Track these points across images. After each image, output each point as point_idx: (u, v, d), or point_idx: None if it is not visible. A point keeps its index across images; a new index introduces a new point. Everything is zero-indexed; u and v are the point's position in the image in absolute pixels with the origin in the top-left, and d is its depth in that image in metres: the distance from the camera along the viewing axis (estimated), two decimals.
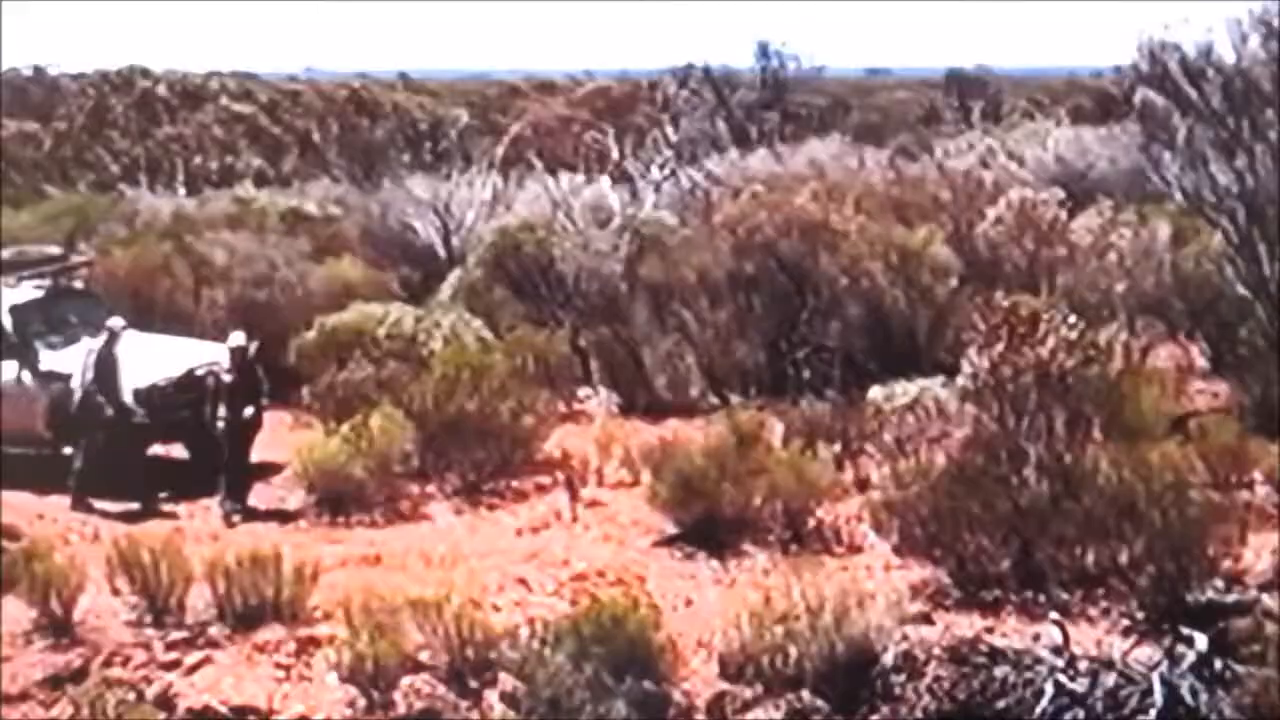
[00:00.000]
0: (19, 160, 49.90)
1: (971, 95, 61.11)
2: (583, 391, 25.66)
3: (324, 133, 51.58)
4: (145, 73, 54.59)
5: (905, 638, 14.84)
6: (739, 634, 15.11)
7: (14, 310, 21.95)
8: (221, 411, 20.53)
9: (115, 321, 21.03)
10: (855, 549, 18.14)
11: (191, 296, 28.20)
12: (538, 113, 53.99)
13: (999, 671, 14.32)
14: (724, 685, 15.07)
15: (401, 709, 14.49)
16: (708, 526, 18.50)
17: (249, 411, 20.64)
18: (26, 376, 21.51)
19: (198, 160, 47.87)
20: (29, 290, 22.57)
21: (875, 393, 20.96)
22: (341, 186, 44.55)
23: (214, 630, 15.97)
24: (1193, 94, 22.41)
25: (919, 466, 17.53)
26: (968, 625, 15.51)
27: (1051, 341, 17.30)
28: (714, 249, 26.61)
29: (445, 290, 30.30)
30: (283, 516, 20.15)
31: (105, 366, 20.61)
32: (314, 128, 52.19)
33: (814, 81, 58.06)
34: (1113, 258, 26.45)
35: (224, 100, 54.19)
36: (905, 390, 20.52)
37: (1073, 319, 17.68)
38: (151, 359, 21.76)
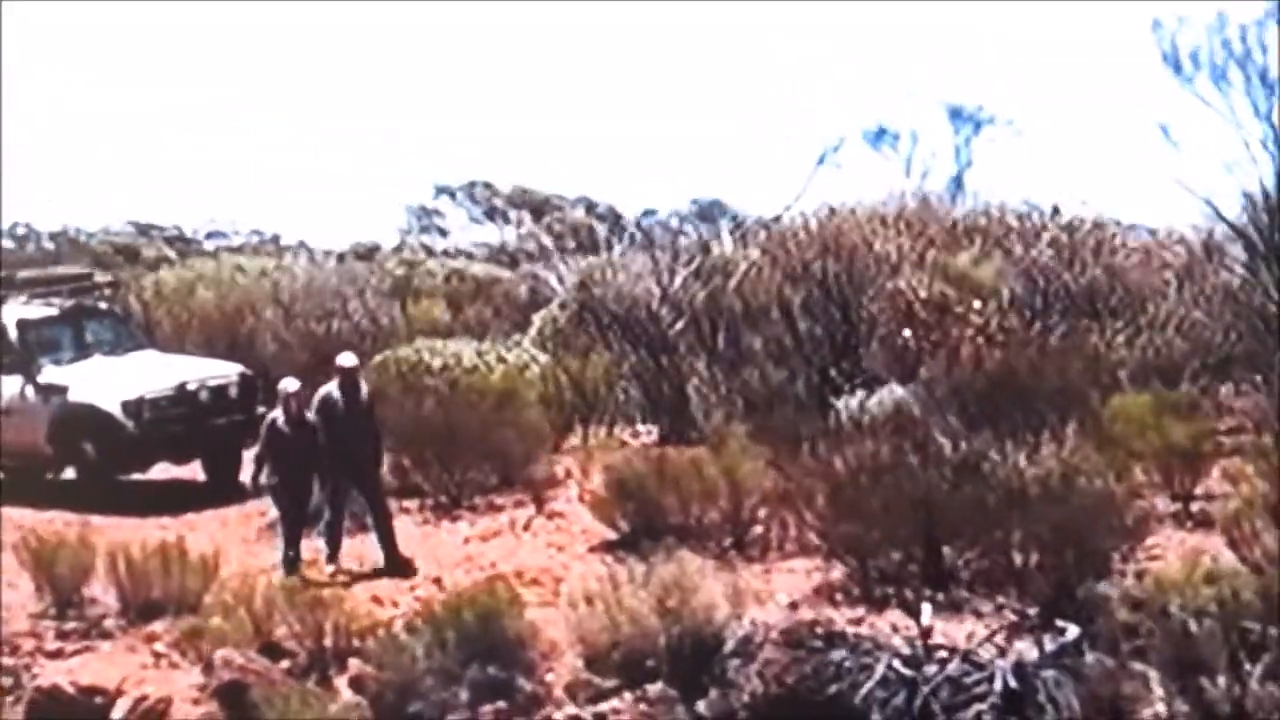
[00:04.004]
0: None
1: None
2: (643, 427, 25.57)
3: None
4: (488, 185, 56.25)
5: (753, 623, 14.60)
6: (588, 626, 15.02)
7: (20, 325, 22.32)
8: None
9: (345, 358, 18.91)
10: (796, 553, 17.78)
11: (268, 330, 29.03)
12: None
13: (835, 655, 13.97)
14: (585, 675, 14.97)
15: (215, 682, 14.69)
16: (650, 533, 18.28)
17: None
18: (30, 391, 21.96)
19: None
20: (40, 307, 22.93)
21: (843, 401, 20.56)
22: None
23: (110, 622, 16.39)
24: None
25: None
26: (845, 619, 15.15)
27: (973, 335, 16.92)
28: (758, 276, 26.25)
29: (532, 328, 30.73)
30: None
31: (332, 410, 18.49)
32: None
33: None
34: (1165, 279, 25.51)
35: (560, 213, 55.62)
36: (871, 397, 20.09)
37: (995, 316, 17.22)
38: (143, 372, 22.18)
